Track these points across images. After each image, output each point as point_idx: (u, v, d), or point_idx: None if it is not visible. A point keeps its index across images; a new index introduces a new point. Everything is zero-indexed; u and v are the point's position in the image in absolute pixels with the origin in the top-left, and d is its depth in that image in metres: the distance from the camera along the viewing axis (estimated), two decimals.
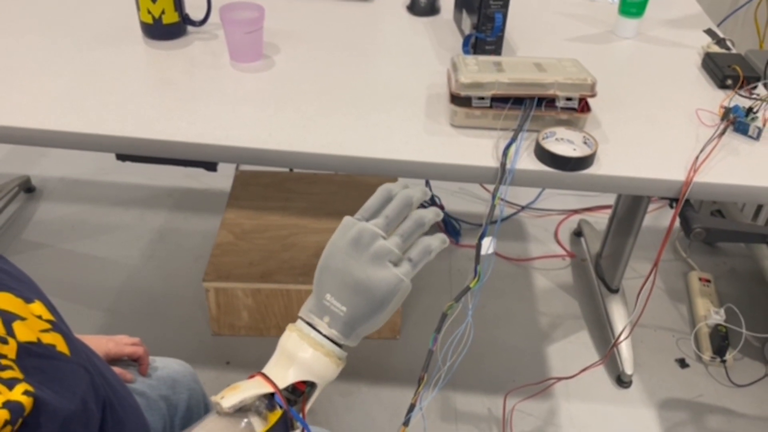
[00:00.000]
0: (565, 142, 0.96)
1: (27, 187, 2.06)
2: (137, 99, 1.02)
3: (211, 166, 0.97)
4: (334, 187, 1.81)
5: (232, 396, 0.50)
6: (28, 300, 0.57)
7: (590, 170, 0.92)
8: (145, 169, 2.16)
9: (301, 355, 0.53)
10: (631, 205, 1.51)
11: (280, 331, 1.62)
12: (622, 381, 1.53)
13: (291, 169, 1.97)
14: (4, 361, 0.48)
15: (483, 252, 0.93)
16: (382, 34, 1.28)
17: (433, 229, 0.62)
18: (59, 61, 1.11)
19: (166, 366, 0.93)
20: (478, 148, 0.95)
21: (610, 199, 2.02)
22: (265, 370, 0.53)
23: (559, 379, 1.51)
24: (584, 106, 0.98)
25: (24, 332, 0.53)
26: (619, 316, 1.62)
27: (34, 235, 1.92)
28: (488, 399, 1.49)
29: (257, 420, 0.50)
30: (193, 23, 1.21)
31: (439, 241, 0.58)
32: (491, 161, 0.93)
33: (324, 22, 1.30)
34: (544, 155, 0.92)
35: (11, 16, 1.25)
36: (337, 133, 0.97)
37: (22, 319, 0.54)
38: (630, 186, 0.93)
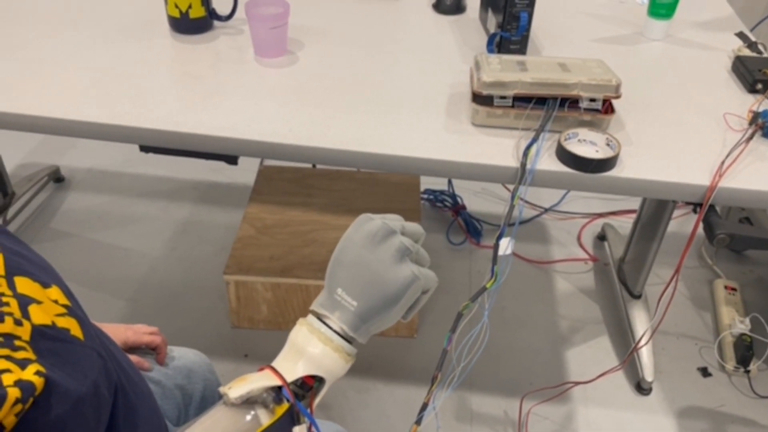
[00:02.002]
0: (587, 144, 0.95)
1: (56, 177, 2.10)
2: (162, 92, 1.03)
3: (232, 160, 0.97)
4: (356, 185, 1.81)
5: (239, 387, 0.50)
6: (46, 285, 0.58)
7: (612, 172, 0.90)
8: (171, 162, 2.19)
9: (310, 349, 0.53)
10: (655, 210, 1.48)
11: None
12: (641, 388, 1.51)
13: (314, 165, 1.97)
14: (18, 342, 0.49)
15: (501, 253, 0.93)
16: (406, 32, 1.28)
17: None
18: (87, 53, 1.13)
19: (182, 356, 0.94)
20: (499, 148, 0.94)
21: (635, 203, 1.99)
22: (274, 364, 0.53)
23: (577, 383, 1.49)
24: (608, 108, 0.97)
25: (39, 315, 0.54)
26: (640, 322, 1.60)
27: (62, 224, 1.95)
28: (504, 401, 1.48)
29: (264, 412, 0.50)
30: (220, 18, 1.22)
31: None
32: (511, 161, 0.92)
33: (349, 20, 1.30)
34: (565, 156, 0.91)
35: (42, 8, 1.27)
36: (358, 129, 0.97)
37: (38, 302, 0.55)
38: (653, 189, 0.91)
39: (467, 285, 1.78)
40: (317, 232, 1.64)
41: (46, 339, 0.53)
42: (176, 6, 1.16)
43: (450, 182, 2.08)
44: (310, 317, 0.55)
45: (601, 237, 1.96)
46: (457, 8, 1.34)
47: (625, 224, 1.96)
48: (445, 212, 2.03)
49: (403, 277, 0.53)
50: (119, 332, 0.88)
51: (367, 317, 0.53)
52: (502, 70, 0.97)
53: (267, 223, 1.66)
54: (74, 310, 0.59)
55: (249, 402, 0.51)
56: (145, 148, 0.98)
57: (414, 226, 0.59)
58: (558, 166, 0.91)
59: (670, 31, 1.28)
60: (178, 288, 1.75)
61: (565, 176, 0.91)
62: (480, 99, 0.97)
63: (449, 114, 1.01)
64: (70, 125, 0.95)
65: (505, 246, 0.93)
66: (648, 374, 1.49)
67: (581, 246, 1.94)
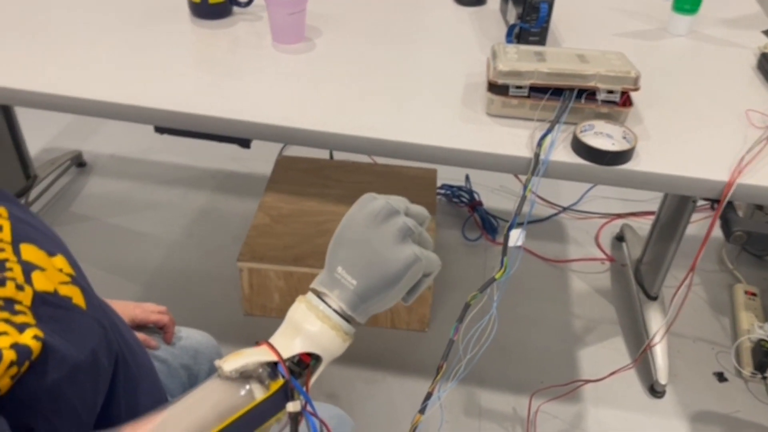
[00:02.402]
0: (603, 136, 0.93)
1: (79, 162, 2.13)
2: (178, 74, 1.03)
3: (244, 143, 0.98)
4: (372, 177, 1.81)
5: (234, 361, 0.50)
6: (51, 253, 0.59)
7: (628, 166, 0.89)
8: (190, 150, 2.21)
9: (307, 326, 0.52)
10: (674, 210, 1.46)
11: None
12: (655, 390, 1.49)
13: (331, 157, 1.98)
14: (18, 307, 0.50)
15: (511, 244, 0.92)
16: (425, 22, 1.27)
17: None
18: (108, 35, 1.14)
19: (189, 336, 0.95)
20: (513, 138, 0.93)
21: (655, 204, 1.95)
22: (271, 340, 0.53)
23: (587, 381, 1.47)
24: (626, 100, 0.95)
25: (42, 282, 0.54)
26: (656, 324, 1.57)
27: (82, 208, 1.98)
28: (514, 398, 1.47)
29: (259, 387, 0.50)
30: (239, 4, 1.23)
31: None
32: (525, 152, 0.91)
33: (368, 9, 1.30)
34: (580, 148, 0.90)
35: None
36: (372, 116, 0.97)
37: (42, 270, 0.56)
38: (669, 184, 0.89)
39: (481, 281, 1.76)
40: (332, 223, 1.64)
41: (47, 305, 0.53)
42: None
43: (467, 178, 2.07)
44: (310, 295, 0.55)
45: (620, 238, 1.93)
46: (478, 0, 1.33)
47: (644, 225, 1.93)
48: (461, 208, 2.02)
49: (404, 258, 0.53)
50: (128, 309, 0.89)
51: (367, 297, 0.53)
52: (518, 59, 0.96)
53: (282, 213, 1.67)
54: (78, 279, 0.60)
55: (244, 377, 0.51)
56: (160, 129, 0.98)
57: (418, 208, 0.59)
58: (572, 158, 0.90)
59: (695, 26, 1.26)
60: (193, 274, 1.76)
61: (580, 168, 0.89)
62: (495, 88, 0.96)
63: (464, 103, 1.01)
64: (88, 104, 0.96)
65: (516, 237, 0.92)
66: (662, 377, 1.47)
67: (599, 246, 1.92)
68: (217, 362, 0.51)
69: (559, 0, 1.11)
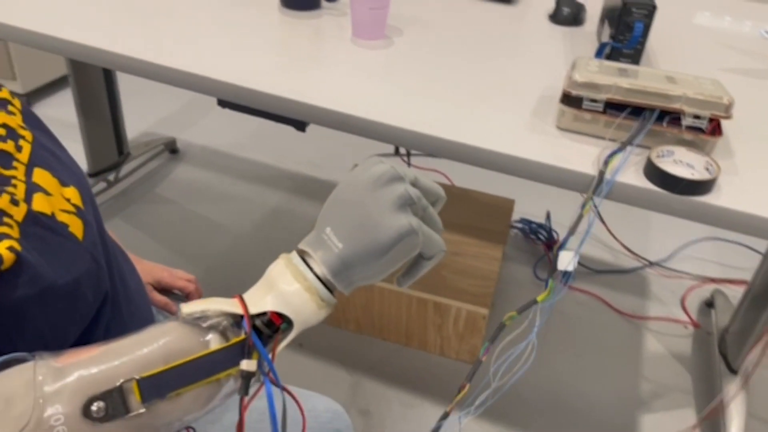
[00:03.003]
0: (683, 165, 0.83)
1: (172, 148, 2.22)
2: (252, 54, 1.04)
3: (300, 126, 0.96)
4: (447, 197, 1.75)
5: (196, 304, 0.47)
6: (64, 183, 0.58)
7: (705, 198, 0.79)
8: (274, 151, 2.25)
9: (281, 284, 0.48)
10: None
11: (358, 326, 1.59)
12: None
13: (396, 151, 1.94)
14: (6, 219, 0.49)
15: (561, 267, 0.84)
16: (513, 37, 1.22)
17: None
18: (200, 11, 1.17)
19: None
20: (580, 155, 0.85)
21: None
22: (245, 294, 0.49)
23: None
24: (715, 128, 0.85)
25: (41, 204, 0.53)
26: (736, 402, 1.40)
27: (166, 190, 2.06)
28: None
29: (218, 339, 0.46)
30: None
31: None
32: (590, 169, 0.83)
33: (457, 18, 1.27)
34: (653, 172, 0.81)
35: None
36: (431, 113, 0.92)
37: (48, 194, 0.55)
38: (750, 225, 0.78)
39: (545, 322, 1.65)
40: None
41: (38, 225, 0.52)
42: None
43: (548, 216, 1.96)
44: (293, 253, 0.50)
45: (709, 303, 1.75)
46: (575, 20, 1.26)
47: (739, 294, 1.74)
48: (536, 245, 1.92)
49: (397, 226, 0.48)
50: (155, 270, 0.88)
51: (351, 263, 0.48)
52: (598, 72, 0.89)
53: None
54: (84, 214, 0.58)
55: (208, 327, 0.47)
56: (222, 103, 0.99)
57: (431, 184, 0.53)
58: (642, 182, 0.81)
59: None
60: (252, 268, 1.76)
61: (648, 194, 0.80)
62: (568, 99, 0.88)
63: (534, 114, 0.94)
64: (160, 70, 0.98)
65: (567, 260, 0.84)
66: None
67: (684, 308, 1.75)
68: (181, 304, 0.47)
69: (661, 28, 1.03)
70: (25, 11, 1.10)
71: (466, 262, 1.58)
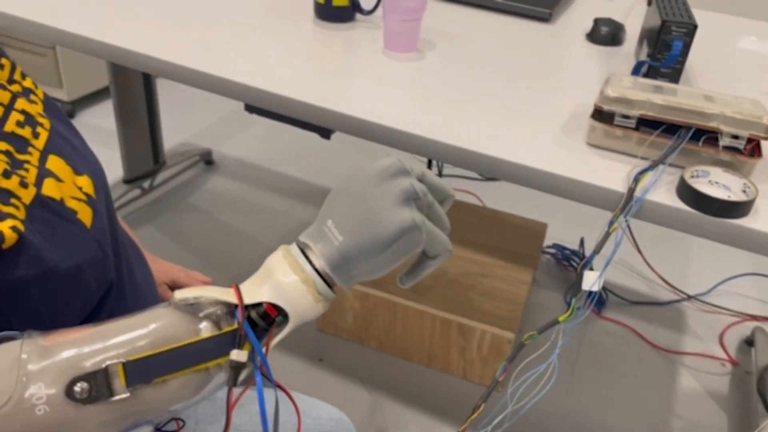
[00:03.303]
0: (719, 187, 0.79)
1: (207, 159, 2.25)
2: (282, 62, 1.04)
3: (324, 133, 0.95)
4: (476, 218, 1.72)
5: (189, 290, 0.46)
6: (78, 172, 0.59)
7: (740, 221, 0.75)
8: (308, 167, 2.26)
9: (278, 275, 0.47)
10: None
11: (380, 344, 1.56)
12: None
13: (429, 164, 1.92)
14: (13, 200, 0.49)
15: (585, 287, 0.81)
16: (548, 55, 1.19)
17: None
18: (234, 18, 1.18)
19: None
20: (609, 172, 0.82)
21: None
22: (241, 284, 0.48)
23: None
24: (754, 149, 0.81)
25: (52, 189, 0.53)
26: None
27: (199, 200, 2.08)
28: None
29: (210, 328, 0.44)
30: (362, 11, 1.23)
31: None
32: (619, 187, 0.80)
33: (493, 34, 1.25)
34: (686, 192, 0.77)
35: None
36: (456, 124, 0.90)
37: (59, 180, 0.55)
38: None
39: (575, 352, 1.60)
40: None
41: (45, 209, 0.52)
42: None
43: (582, 242, 1.91)
44: (292, 244, 0.49)
45: (749, 341, 1.67)
46: (613, 40, 1.23)
47: None
48: (569, 272, 1.86)
49: (399, 220, 0.46)
50: (173, 270, 0.88)
51: (351, 257, 0.46)
52: (632, 87, 0.86)
53: None
54: (95, 203, 0.58)
55: (201, 315, 0.45)
56: (250, 108, 0.99)
57: (438, 180, 0.51)
58: (673, 202, 0.77)
59: None
60: None
61: (680, 214, 0.76)
62: (600, 115, 0.86)
63: (564, 130, 0.91)
64: (189, 74, 0.99)
65: (592, 280, 0.80)
66: None
67: (722, 345, 1.68)
68: (175, 291, 0.46)
69: (704, 51, 0.99)
70: (71, 18, 1.13)
71: (493, 284, 1.55)
